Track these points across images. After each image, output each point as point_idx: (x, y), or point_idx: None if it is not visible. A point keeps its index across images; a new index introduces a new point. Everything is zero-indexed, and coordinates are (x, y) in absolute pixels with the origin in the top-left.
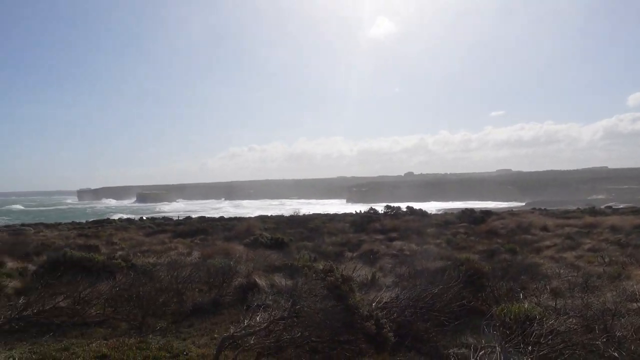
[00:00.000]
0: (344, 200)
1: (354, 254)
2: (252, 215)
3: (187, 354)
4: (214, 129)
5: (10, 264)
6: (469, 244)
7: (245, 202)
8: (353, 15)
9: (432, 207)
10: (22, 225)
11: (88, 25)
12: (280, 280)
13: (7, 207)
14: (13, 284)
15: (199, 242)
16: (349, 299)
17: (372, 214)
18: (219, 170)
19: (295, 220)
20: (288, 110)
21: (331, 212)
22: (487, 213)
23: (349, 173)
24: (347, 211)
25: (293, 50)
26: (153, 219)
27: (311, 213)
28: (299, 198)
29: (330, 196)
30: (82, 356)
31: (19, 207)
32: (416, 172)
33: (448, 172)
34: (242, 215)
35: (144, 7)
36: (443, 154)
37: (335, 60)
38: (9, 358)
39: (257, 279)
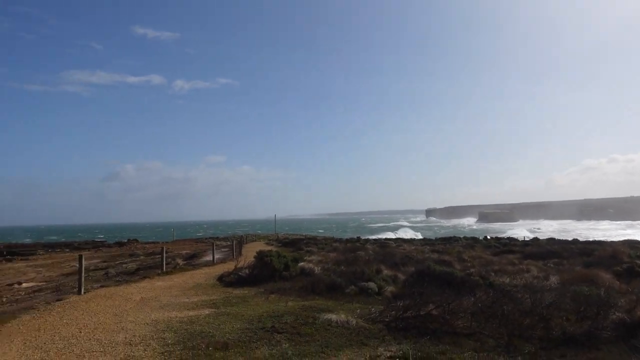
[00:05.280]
0: None
1: None
2: (615, 239)
3: None
4: (562, 140)
5: (385, 272)
6: None
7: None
8: None
9: None
10: (386, 239)
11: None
12: None
13: (396, 223)
14: (390, 288)
15: (552, 265)
16: None
17: None
18: (568, 187)
19: None
20: None
21: None
22: None
23: None
24: None
25: None
26: (497, 238)
27: None
28: None
29: None
30: None
31: (406, 223)
32: None
33: None
34: (601, 239)
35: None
36: None
37: None
38: (399, 351)
39: None
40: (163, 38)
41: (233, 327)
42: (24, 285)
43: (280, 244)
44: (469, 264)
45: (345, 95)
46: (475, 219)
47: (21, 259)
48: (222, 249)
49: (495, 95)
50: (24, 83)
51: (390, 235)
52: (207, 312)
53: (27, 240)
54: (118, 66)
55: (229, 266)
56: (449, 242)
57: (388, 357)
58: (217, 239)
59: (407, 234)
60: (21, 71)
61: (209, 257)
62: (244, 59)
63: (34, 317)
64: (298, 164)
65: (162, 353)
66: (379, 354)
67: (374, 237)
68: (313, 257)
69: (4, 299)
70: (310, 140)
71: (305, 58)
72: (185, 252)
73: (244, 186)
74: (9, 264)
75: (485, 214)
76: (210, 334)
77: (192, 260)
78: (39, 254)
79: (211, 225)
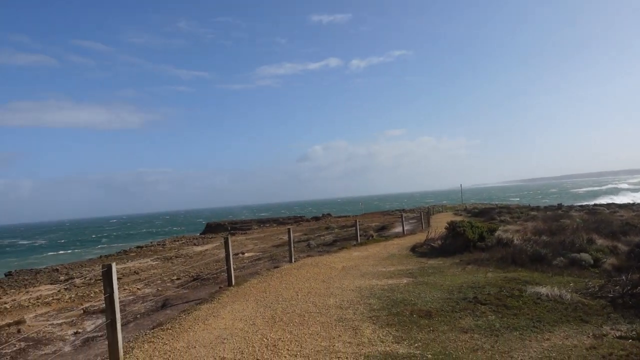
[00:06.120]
0: None
1: None
2: None
3: None
4: None
5: (599, 241)
6: None
7: None
8: None
9: None
10: (595, 205)
11: None
12: None
13: (609, 186)
14: (610, 260)
15: None
16: None
17: None
18: None
19: None
20: None
21: None
22: None
23: None
24: None
25: None
26: None
27: None
28: None
29: None
30: None
31: (625, 185)
32: None
33: None
34: None
35: None
36: None
37: None
38: (632, 331)
39: None
40: (337, 21)
41: (433, 296)
42: (246, 255)
43: (469, 214)
44: None
45: (534, 48)
46: None
47: (241, 233)
48: (410, 221)
49: None
50: (227, 84)
51: (602, 200)
52: (405, 281)
53: (243, 217)
54: (300, 55)
55: (420, 237)
56: None
57: (617, 337)
58: (404, 211)
59: (626, 197)
60: (224, 74)
61: (398, 229)
62: (416, 27)
63: (259, 281)
64: (482, 130)
65: (370, 317)
66: (604, 332)
67: (579, 203)
68: (509, 227)
69: (234, 266)
70: (492, 102)
71: (477, 18)
72: (374, 224)
73: (425, 157)
74: (233, 237)
75: None
76: (412, 302)
77: (382, 232)
78: (254, 229)
79: (396, 198)
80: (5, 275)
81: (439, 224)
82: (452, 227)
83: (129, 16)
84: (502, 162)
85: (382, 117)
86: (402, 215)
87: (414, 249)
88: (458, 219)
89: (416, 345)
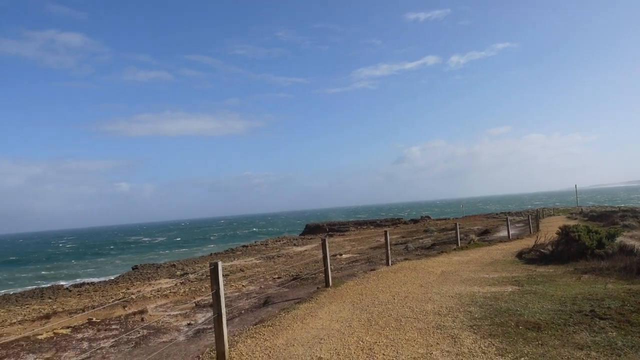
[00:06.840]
0: None
1: None
2: None
3: None
4: None
5: None
6: None
7: None
8: None
9: None
10: None
11: None
12: None
13: None
14: None
15: None
16: None
17: None
18: None
19: None
20: None
21: None
22: None
23: None
24: None
25: None
26: None
27: None
28: None
29: None
30: None
31: None
32: None
33: None
34: None
35: None
36: None
37: None
38: None
39: None
40: (434, 17)
41: (542, 307)
42: (344, 256)
43: (585, 218)
44: None
45: None
46: None
47: (339, 235)
48: (516, 225)
49: None
50: (325, 88)
51: None
52: (510, 290)
53: (341, 219)
54: (396, 56)
55: (527, 242)
56: None
57: None
58: (509, 214)
59: None
60: (322, 78)
61: (502, 233)
62: (521, 18)
63: (356, 283)
64: (600, 124)
65: (471, 326)
66: None
67: None
68: (634, 233)
69: (332, 267)
70: (612, 93)
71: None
72: (476, 227)
73: (534, 156)
74: (331, 239)
75: None
76: (518, 312)
77: (485, 236)
78: (351, 230)
79: (500, 200)
80: (132, 268)
81: (550, 229)
82: (564, 231)
83: (233, 30)
84: (627, 160)
85: (484, 114)
86: (507, 218)
87: (521, 255)
88: (572, 223)
89: (522, 359)
